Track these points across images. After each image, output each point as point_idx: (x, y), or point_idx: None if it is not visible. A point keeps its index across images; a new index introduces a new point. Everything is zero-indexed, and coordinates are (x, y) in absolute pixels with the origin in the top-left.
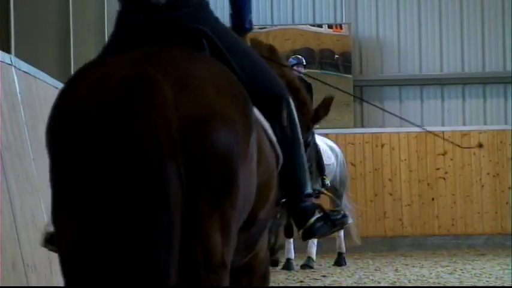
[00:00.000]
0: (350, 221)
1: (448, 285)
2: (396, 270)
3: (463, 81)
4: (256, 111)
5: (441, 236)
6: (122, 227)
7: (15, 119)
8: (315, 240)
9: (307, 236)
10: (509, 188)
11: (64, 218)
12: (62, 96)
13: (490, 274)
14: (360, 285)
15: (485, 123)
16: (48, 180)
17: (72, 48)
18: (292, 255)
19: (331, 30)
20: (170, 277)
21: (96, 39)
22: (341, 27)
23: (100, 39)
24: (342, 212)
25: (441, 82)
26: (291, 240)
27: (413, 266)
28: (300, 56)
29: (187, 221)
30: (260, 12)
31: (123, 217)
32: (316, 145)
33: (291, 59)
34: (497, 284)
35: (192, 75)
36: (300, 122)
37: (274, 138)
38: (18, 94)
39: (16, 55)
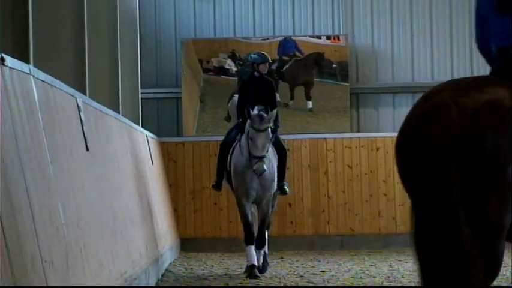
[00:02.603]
0: None
1: None
2: (390, 265)
3: None
4: None
5: None
6: (433, 202)
7: (34, 125)
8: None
9: None
10: None
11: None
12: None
13: None
14: (357, 279)
15: None
16: (64, 181)
17: (86, 58)
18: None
19: (329, 41)
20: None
21: (109, 50)
22: (338, 38)
23: (112, 50)
24: None
25: None
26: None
27: (406, 262)
28: (264, 53)
29: (474, 201)
30: (263, 24)
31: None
32: None
33: (254, 56)
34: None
35: (476, 102)
36: None
37: None
38: (37, 101)
39: (34, 65)
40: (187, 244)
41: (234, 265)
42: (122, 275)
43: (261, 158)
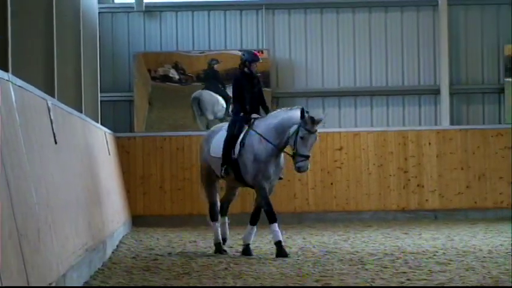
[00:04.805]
0: None
1: (343, 250)
2: (304, 238)
3: (355, 94)
4: None
5: (338, 212)
6: None
7: (12, 122)
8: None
9: None
10: (390, 175)
11: None
12: None
13: (375, 241)
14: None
15: (372, 126)
16: (37, 169)
17: (55, 67)
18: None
19: None
20: None
21: (74, 61)
22: (262, 52)
23: (77, 61)
24: None
25: (338, 94)
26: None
27: (317, 235)
28: (255, 53)
29: None
30: (200, 40)
31: None
32: None
33: (247, 55)
34: (380, 248)
35: None
36: None
37: None
38: (14, 103)
39: (12, 73)
40: (138, 220)
41: (175, 238)
42: (83, 246)
43: (307, 157)
